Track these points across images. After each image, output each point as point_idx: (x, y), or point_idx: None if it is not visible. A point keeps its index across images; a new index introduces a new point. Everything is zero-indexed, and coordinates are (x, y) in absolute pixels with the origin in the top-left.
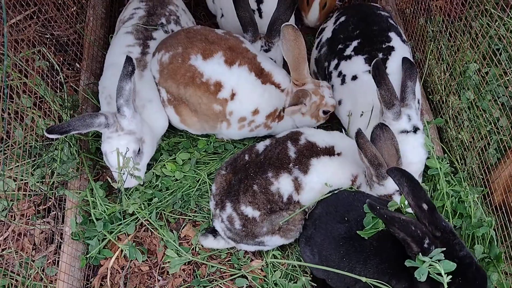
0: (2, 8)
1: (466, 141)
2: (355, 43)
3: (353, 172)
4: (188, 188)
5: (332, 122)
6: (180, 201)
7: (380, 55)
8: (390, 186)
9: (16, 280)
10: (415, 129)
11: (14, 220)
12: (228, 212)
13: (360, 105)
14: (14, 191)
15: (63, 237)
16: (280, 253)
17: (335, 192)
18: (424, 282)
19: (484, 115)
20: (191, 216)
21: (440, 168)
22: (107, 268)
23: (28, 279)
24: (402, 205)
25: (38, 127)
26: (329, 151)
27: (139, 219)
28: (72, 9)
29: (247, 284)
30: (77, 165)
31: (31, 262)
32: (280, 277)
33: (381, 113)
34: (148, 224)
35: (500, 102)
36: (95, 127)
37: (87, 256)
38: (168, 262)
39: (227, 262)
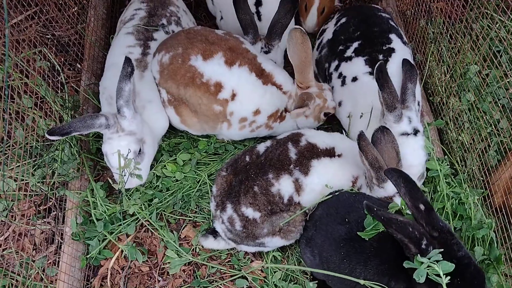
0: (3, 9)
1: (466, 143)
2: (355, 45)
3: (353, 174)
4: (189, 189)
5: (332, 123)
6: (180, 202)
7: (381, 57)
8: (390, 188)
9: (17, 280)
10: (416, 132)
11: (14, 220)
12: (229, 213)
13: (360, 107)
14: (14, 191)
15: (64, 238)
16: (281, 254)
17: (336, 193)
18: (423, 283)
19: (484, 117)
20: (191, 217)
21: (441, 170)
22: (107, 268)
23: (29, 279)
24: (403, 206)
25: (39, 127)
26: (330, 153)
27: (140, 219)
28: (73, 9)
29: (247, 285)
30: (77, 166)
31: (32, 262)
32: (280, 278)
33: (382, 115)
34: (148, 224)
35: (500, 104)
36: (95, 128)
37: (88, 256)
38: (168, 262)
39: (227, 263)
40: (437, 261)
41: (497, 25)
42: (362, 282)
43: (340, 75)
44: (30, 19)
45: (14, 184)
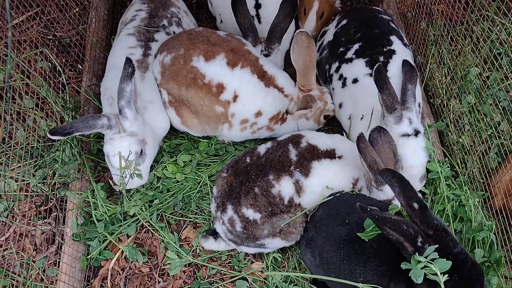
0: (5, 9)
1: (467, 145)
2: (356, 46)
3: (354, 175)
4: (189, 190)
5: (333, 125)
6: (181, 203)
7: (381, 59)
8: (388, 191)
9: (17, 281)
10: (416, 133)
11: (15, 220)
12: (229, 215)
13: (361, 108)
14: (15, 191)
15: (64, 238)
16: (281, 256)
17: (337, 194)
18: (422, 283)
19: (485, 119)
20: (191, 218)
21: (441, 172)
22: (108, 269)
23: (29, 279)
24: (402, 208)
25: (40, 128)
26: (330, 154)
27: (140, 220)
28: (75, 10)
29: (247, 286)
30: (78, 166)
31: (32, 263)
32: (280, 280)
33: (382, 116)
34: (148, 225)
35: (501, 106)
36: (97, 129)
37: (88, 257)
38: (169, 263)
39: (228, 264)
40: (434, 260)
41: (498, 28)
42: (360, 285)
43: (341, 76)
44: (31, 19)
45: (15, 184)
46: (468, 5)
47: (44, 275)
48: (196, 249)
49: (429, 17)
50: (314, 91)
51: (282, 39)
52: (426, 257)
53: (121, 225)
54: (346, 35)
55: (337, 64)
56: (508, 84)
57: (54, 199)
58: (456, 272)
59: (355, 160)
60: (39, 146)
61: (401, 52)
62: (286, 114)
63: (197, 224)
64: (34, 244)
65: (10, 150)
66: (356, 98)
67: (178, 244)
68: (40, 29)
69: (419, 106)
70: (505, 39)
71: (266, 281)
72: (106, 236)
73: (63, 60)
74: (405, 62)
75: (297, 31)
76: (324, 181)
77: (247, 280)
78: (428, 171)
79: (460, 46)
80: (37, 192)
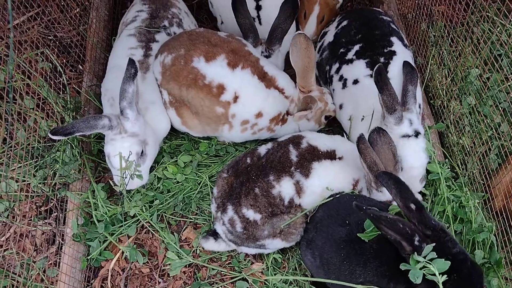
0: (6, 10)
1: (467, 146)
2: (357, 47)
3: (354, 177)
4: (190, 191)
5: (333, 126)
6: (181, 204)
7: (382, 60)
8: (388, 192)
9: (17, 281)
10: (417, 134)
11: (15, 221)
12: (230, 215)
13: (362, 109)
14: (16, 192)
15: (64, 239)
16: (281, 256)
17: (337, 195)
18: (421, 283)
19: (485, 121)
20: (192, 219)
21: (441, 173)
22: (108, 269)
23: (29, 280)
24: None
25: (41, 128)
26: (331, 155)
27: (140, 221)
28: (75, 11)
29: (247, 287)
30: (79, 167)
31: (32, 263)
32: (280, 281)
33: (383, 117)
34: (149, 226)
35: (501, 107)
36: (98, 129)
37: (88, 257)
38: (169, 264)
39: (228, 265)
40: (432, 260)
41: (498, 29)
42: (360, 287)
43: (341, 77)
44: (32, 20)
45: (16, 185)
46: (469, 7)
47: (44, 275)
48: (196, 249)
49: (430, 18)
50: (314, 92)
51: (282, 40)
52: (424, 257)
53: (121, 226)
54: (346, 36)
55: (337, 65)
56: (509, 85)
57: (55, 199)
58: (455, 272)
59: (355, 161)
60: (40, 146)
61: (402, 53)
62: (287, 115)
63: (198, 225)
64: (34, 244)
65: (11, 150)
66: (357, 99)
67: (178, 245)
68: (41, 29)
69: (419, 107)
70: (506, 41)
71: (267, 282)
72: (106, 237)
73: (64, 60)
74: (405, 63)
75: (296, 33)
76: (324, 182)
77: (247, 281)
78: (428, 172)
79: (460, 47)
80: (38, 193)
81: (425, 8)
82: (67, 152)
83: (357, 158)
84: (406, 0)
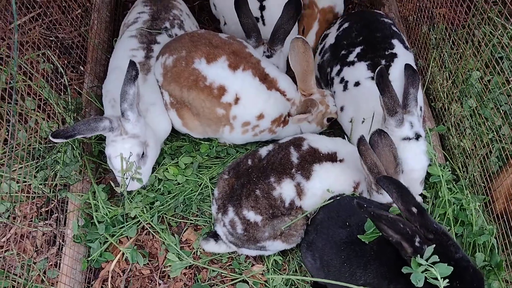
0: (7, 11)
1: (468, 149)
2: (358, 50)
3: (355, 179)
4: (190, 192)
5: (334, 128)
6: (182, 205)
7: (383, 62)
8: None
9: (18, 282)
10: (417, 136)
11: (16, 222)
12: (230, 217)
13: (363, 112)
14: (17, 193)
15: (65, 240)
16: (282, 258)
17: (337, 197)
18: (422, 287)
19: (486, 123)
20: (192, 220)
21: (442, 176)
22: (108, 271)
23: (30, 281)
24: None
25: (42, 129)
26: (332, 157)
27: (141, 222)
28: (77, 12)
29: None
30: (79, 168)
31: (33, 264)
32: (280, 282)
33: (384, 119)
34: (149, 227)
35: (502, 110)
36: (99, 131)
37: (89, 259)
38: (169, 266)
39: (228, 266)
40: (435, 263)
41: (500, 32)
42: None
43: (342, 80)
44: (34, 21)
45: (17, 185)
46: (470, 9)
47: (44, 276)
48: (197, 251)
49: (431, 21)
50: (315, 95)
51: (285, 41)
52: (426, 260)
53: (122, 227)
54: (348, 38)
55: (338, 67)
56: (510, 88)
57: (55, 200)
58: (457, 278)
59: (356, 164)
60: (41, 147)
61: (403, 56)
62: (288, 116)
63: (198, 226)
64: (35, 245)
65: (12, 151)
66: (358, 101)
67: (178, 246)
68: (42, 30)
69: (420, 109)
70: (507, 43)
71: (267, 284)
72: (107, 238)
73: (65, 61)
74: (407, 66)
75: (293, 37)
76: (325, 184)
77: (247, 283)
78: (429, 174)
79: (461, 50)
80: (38, 194)
81: (426, 11)
82: (68, 153)
83: (358, 161)
84: (407, 2)
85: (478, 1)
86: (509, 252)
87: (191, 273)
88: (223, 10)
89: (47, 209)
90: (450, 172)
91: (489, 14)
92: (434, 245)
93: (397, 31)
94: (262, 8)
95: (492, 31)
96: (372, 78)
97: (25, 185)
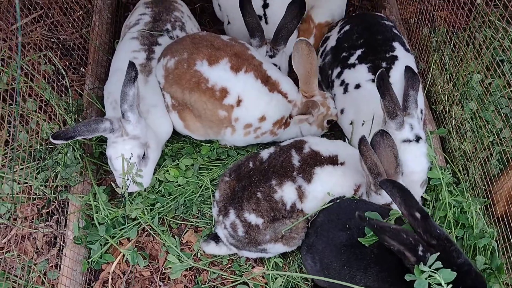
0: (9, 13)
1: (468, 152)
2: (359, 52)
3: (356, 182)
4: (191, 194)
5: (334, 131)
6: (182, 207)
7: (384, 64)
8: (387, 195)
9: (18, 284)
10: (418, 138)
11: (17, 223)
12: (232, 219)
13: (363, 114)
14: (17, 194)
15: (65, 241)
16: (282, 261)
17: (338, 200)
18: None
19: (487, 126)
20: (193, 222)
21: (443, 178)
22: (109, 272)
23: (30, 282)
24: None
25: (43, 130)
26: (333, 160)
27: (142, 224)
28: (78, 13)
29: None
30: (80, 169)
31: (33, 266)
32: (281, 285)
33: (384, 122)
34: (150, 229)
35: (503, 113)
36: (100, 132)
37: (89, 260)
38: (170, 267)
39: (229, 268)
40: (438, 269)
41: (501, 35)
42: None
43: (343, 82)
44: (35, 22)
45: (17, 187)
46: (471, 12)
47: (45, 278)
48: (197, 253)
49: (432, 24)
50: (316, 97)
51: (288, 40)
52: (429, 267)
53: (122, 229)
54: (348, 40)
55: (339, 69)
56: (510, 91)
57: (56, 201)
58: (460, 283)
59: (357, 167)
60: (42, 148)
61: (404, 58)
62: (290, 118)
63: (199, 228)
64: (35, 247)
65: (13, 152)
66: (358, 103)
67: (179, 248)
68: (44, 32)
69: (421, 112)
70: (508, 46)
71: (267, 286)
72: (107, 239)
73: (66, 63)
74: (407, 68)
75: (297, 39)
76: (326, 187)
77: (248, 285)
78: (429, 177)
79: (462, 53)
80: (39, 195)
81: (427, 13)
82: (68, 155)
83: (358, 163)
84: (408, 5)
85: (479, 4)
86: (509, 255)
87: (191, 275)
88: (228, 9)
89: (48, 210)
90: (451, 174)
91: (490, 17)
92: (438, 253)
93: (398, 33)
94: (265, 6)
95: (493, 34)
96: (373, 80)
97: (26, 186)
